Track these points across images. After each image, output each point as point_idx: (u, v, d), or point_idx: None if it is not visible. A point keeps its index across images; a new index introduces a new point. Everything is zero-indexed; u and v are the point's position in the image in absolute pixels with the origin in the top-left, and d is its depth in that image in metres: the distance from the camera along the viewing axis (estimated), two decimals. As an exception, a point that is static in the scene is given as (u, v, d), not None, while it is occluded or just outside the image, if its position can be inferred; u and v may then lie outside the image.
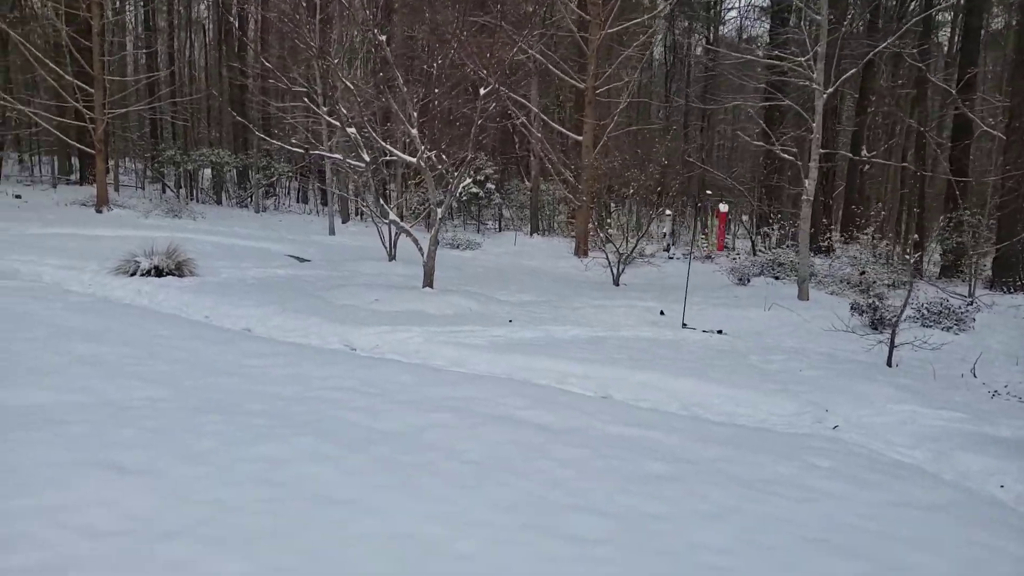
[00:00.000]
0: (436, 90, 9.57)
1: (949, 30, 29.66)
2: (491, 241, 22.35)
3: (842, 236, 19.25)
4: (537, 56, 15.87)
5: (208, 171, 30.62)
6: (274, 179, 28.28)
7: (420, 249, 10.89)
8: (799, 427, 5.58)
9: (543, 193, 25.68)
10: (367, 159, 10.57)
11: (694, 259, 19.91)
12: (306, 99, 10.50)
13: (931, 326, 9.82)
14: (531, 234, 24.51)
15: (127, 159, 34.75)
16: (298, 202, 31.88)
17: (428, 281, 10.67)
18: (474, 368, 6.78)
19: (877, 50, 12.17)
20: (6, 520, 3.07)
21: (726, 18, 39.95)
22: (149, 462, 3.76)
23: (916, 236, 17.32)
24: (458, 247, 19.88)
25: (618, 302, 11.46)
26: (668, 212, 14.42)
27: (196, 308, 9.00)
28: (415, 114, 10.49)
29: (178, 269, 10.81)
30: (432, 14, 10.68)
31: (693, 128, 32.90)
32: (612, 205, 19.08)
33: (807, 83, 12.05)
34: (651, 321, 9.99)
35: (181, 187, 30.16)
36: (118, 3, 23.83)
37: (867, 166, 23.70)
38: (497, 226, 27.75)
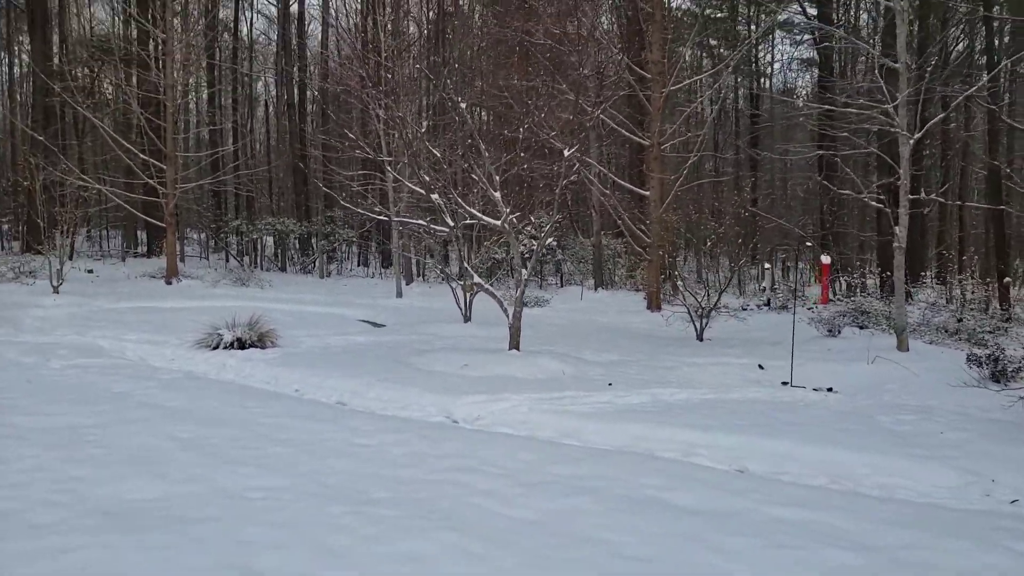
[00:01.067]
0: (522, 154, 9.39)
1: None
2: (557, 297, 22.03)
3: (913, 281, 18.49)
4: (603, 117, 15.72)
5: (270, 239, 31.14)
6: (335, 245, 28.53)
7: (505, 311, 10.60)
8: (970, 502, 5.01)
9: (604, 248, 25.42)
10: (451, 223, 10.39)
11: (769, 310, 19.26)
12: (389, 167, 10.37)
13: (1061, 377, 9.09)
14: (596, 288, 24.15)
15: (188, 229, 35.58)
16: (359, 265, 32.07)
17: (514, 343, 10.34)
18: (589, 440, 6.36)
19: (968, 93, 11.70)
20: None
21: (769, 72, 39.70)
22: (290, 566, 3.43)
23: (1008, 280, 16.45)
24: (527, 304, 19.53)
25: (710, 359, 10.97)
26: (767, 265, 13.92)
27: (285, 381, 8.79)
28: (497, 178, 10.31)
29: (260, 341, 10.68)
30: (519, 79, 10.57)
31: (744, 179, 32.54)
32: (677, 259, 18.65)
33: (893, 129, 11.60)
34: (753, 380, 9.48)
35: (244, 255, 30.66)
36: (188, 83, 24.56)
37: (928, 209, 22.87)
38: (559, 281, 27.46)
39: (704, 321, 13.44)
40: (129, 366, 9.19)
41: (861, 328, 14.64)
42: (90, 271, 23.50)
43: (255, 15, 38.11)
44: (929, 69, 12.20)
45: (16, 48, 29.67)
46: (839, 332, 13.33)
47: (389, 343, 11.72)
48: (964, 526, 4.28)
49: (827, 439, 6.25)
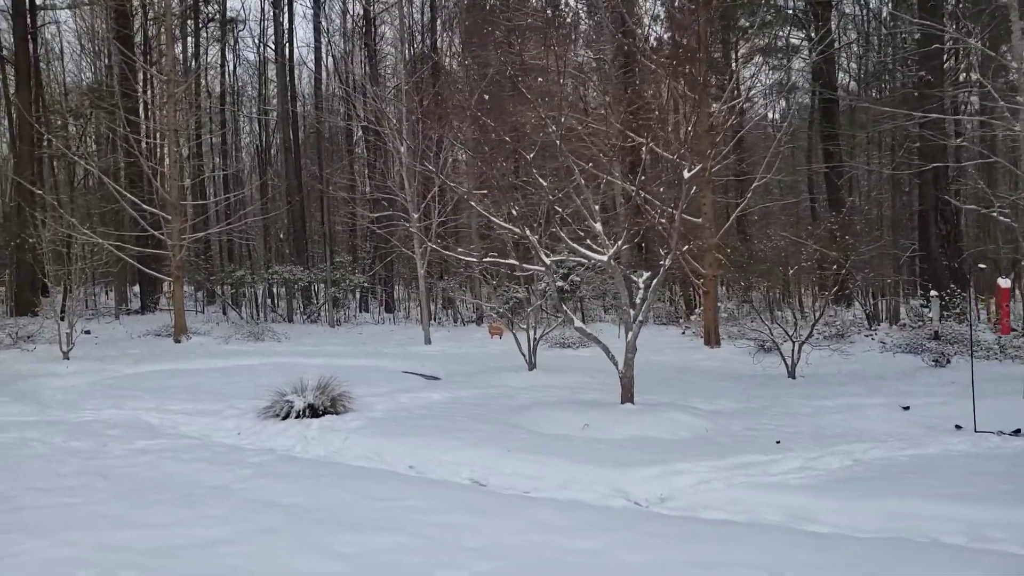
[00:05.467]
0: (642, 177, 8.26)
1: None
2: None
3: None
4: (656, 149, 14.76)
5: (258, 289, 29.59)
6: (347, 291, 27.13)
7: (612, 360, 9.36)
8: None
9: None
10: (547, 261, 9.20)
11: (822, 340, 18.08)
12: (473, 202, 8.96)
13: None
14: (628, 326, 23.02)
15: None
16: (361, 311, 30.57)
17: (628, 396, 9.11)
18: (837, 523, 5.12)
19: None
20: None
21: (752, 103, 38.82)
22: None
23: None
24: (571, 346, 18.35)
25: (838, 400, 9.86)
26: (934, 293, 12.86)
27: (392, 457, 7.44)
28: (596, 207, 9.17)
29: (333, 406, 9.31)
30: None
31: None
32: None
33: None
34: (923, 424, 8.30)
35: (240, 306, 29.13)
36: (188, 127, 23.25)
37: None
38: (581, 319, 26.21)
39: (797, 356, 12.34)
40: (201, 446, 7.80)
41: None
42: (87, 332, 21.82)
43: (237, 60, 37.21)
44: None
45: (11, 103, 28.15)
46: (948, 362, 12.26)
47: (469, 400, 10.42)
48: None
49: None
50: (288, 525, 5.00)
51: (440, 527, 4.96)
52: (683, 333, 20.49)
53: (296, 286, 26.45)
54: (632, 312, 9.22)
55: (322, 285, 27.56)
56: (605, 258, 8.93)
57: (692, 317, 22.88)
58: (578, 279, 24.56)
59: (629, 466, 6.44)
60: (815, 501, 5.45)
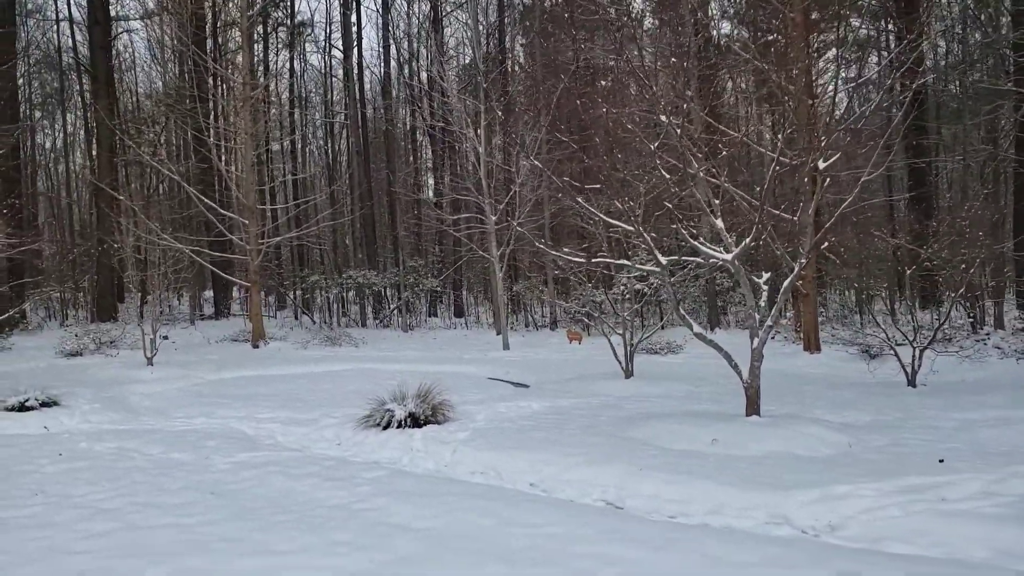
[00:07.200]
0: (777, 167, 7.59)
1: None
2: (679, 340, 20.03)
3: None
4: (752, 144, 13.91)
5: (329, 294, 29.58)
6: (419, 296, 26.87)
7: (735, 368, 8.68)
8: None
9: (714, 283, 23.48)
10: (664, 261, 8.56)
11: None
12: (580, 200, 8.39)
13: None
14: (712, 329, 22.15)
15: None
16: (431, 316, 30.32)
17: (754, 407, 8.40)
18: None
19: None
20: None
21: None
22: None
23: None
24: (657, 352, 17.65)
25: (981, 413, 8.94)
26: None
27: (509, 473, 6.92)
28: (716, 202, 8.52)
29: (434, 415, 8.85)
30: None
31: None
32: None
33: None
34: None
35: (310, 310, 29.15)
36: (263, 131, 23.24)
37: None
38: (660, 323, 25.44)
39: (918, 363, 11.44)
40: (305, 459, 7.38)
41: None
42: (166, 337, 21.96)
43: (304, 65, 37.42)
44: None
45: (90, 110, 28.76)
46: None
47: (572, 410, 9.83)
48: None
49: None
50: (430, 555, 4.50)
51: (596, 560, 4.39)
52: (772, 338, 19.56)
53: (369, 291, 26.28)
54: (757, 316, 8.51)
55: (393, 289, 27.38)
56: (729, 257, 8.25)
57: (783, 321, 21.89)
58: (657, 282, 23.85)
59: (782, 488, 5.77)
60: (1016, 533, 4.71)
